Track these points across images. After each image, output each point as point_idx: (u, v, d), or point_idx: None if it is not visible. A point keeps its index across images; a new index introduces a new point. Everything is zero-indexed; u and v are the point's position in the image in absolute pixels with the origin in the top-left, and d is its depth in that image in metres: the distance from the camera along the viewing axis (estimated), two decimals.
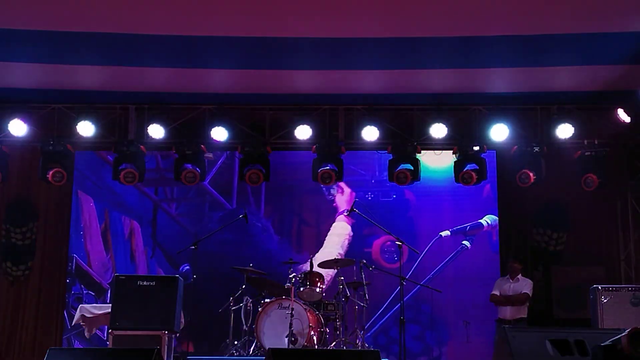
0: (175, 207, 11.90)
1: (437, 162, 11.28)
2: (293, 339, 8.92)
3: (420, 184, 10.82)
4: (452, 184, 10.86)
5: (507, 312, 9.92)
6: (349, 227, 11.57)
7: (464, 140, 10.40)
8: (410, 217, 11.59)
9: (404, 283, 9.39)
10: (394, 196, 11.64)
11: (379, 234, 11.12)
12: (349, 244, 11.52)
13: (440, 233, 11.46)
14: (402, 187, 10.96)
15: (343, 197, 11.72)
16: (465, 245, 11.49)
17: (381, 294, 10.98)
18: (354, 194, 11.59)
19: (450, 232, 11.50)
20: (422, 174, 10.50)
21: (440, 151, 11.05)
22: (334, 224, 11.65)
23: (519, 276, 10.13)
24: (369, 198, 11.59)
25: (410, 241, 10.47)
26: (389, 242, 11.25)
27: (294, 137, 10.32)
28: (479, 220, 11.44)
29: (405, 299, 9.40)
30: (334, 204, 11.69)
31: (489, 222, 11.51)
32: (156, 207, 11.80)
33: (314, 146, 10.39)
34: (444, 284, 11.09)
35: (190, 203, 11.96)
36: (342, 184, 11.47)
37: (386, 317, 11.16)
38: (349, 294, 9.64)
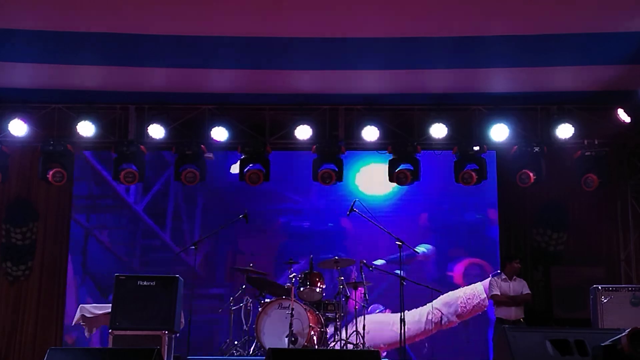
0: (107, 235, 11.50)
1: (375, 190, 11.03)
2: (293, 339, 8.93)
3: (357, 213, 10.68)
4: (390, 213, 10.74)
5: (512, 312, 9.81)
6: None
7: (464, 140, 10.40)
8: (346, 245, 11.20)
9: (404, 283, 9.40)
10: (330, 225, 11.33)
11: (460, 257, 10.84)
12: None
13: (374, 262, 10.88)
14: (338, 215, 10.96)
15: None
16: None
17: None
18: None
19: (385, 261, 11.10)
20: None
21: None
22: None
23: (515, 276, 10.10)
24: (305, 226, 11.25)
25: (347, 270, 10.29)
26: (471, 265, 10.99)
27: (294, 137, 10.33)
28: (414, 249, 10.93)
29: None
30: None
31: (425, 250, 11.31)
32: (87, 234, 11.41)
33: (314, 146, 10.39)
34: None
35: (123, 231, 11.59)
36: None
37: None
38: (349, 294, 9.65)
